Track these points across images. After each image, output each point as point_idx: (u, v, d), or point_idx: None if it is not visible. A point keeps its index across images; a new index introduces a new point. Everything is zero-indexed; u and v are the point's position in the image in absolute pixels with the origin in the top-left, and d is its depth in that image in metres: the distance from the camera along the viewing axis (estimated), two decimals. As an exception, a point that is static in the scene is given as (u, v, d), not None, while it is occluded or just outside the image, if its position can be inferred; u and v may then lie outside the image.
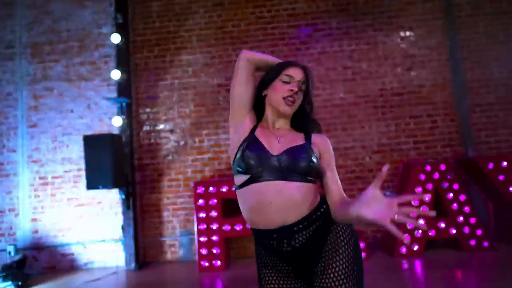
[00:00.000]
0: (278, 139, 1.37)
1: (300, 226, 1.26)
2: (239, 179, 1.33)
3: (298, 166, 1.28)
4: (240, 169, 1.32)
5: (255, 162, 1.29)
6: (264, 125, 1.45)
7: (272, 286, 1.32)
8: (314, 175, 1.32)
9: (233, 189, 3.83)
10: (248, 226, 1.47)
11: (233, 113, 1.42)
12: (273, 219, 1.25)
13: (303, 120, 1.46)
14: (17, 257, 4.65)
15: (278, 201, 1.25)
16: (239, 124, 1.41)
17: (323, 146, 1.40)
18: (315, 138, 1.42)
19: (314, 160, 1.32)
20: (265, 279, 1.34)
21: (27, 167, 5.08)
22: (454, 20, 4.97)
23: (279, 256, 1.30)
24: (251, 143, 1.34)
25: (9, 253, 4.76)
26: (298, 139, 1.39)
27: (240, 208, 1.37)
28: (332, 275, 1.24)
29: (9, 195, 5.05)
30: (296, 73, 1.41)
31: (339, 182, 1.34)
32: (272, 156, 1.30)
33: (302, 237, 1.26)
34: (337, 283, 1.23)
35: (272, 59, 1.48)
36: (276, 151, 1.32)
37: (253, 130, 1.41)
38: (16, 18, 5.26)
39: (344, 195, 1.31)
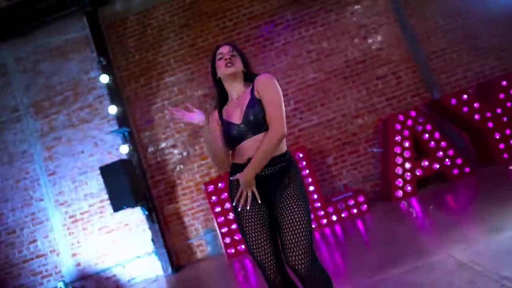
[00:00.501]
0: (240, 107, 1.80)
1: (268, 164, 1.73)
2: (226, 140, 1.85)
3: (254, 124, 1.73)
4: (224, 134, 1.84)
5: (233, 137, 1.78)
6: (230, 102, 1.90)
7: (243, 211, 1.76)
8: (263, 121, 1.73)
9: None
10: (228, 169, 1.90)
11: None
12: (246, 156, 1.76)
13: (248, 75, 1.91)
14: (69, 291, 5.23)
15: (252, 150, 1.73)
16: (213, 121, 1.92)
17: (260, 87, 1.74)
18: (256, 84, 1.77)
19: (259, 110, 1.72)
20: (239, 208, 1.76)
21: (56, 210, 5.66)
22: (392, -15, 5.55)
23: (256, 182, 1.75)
24: (224, 127, 1.83)
25: (59, 289, 5.34)
26: (247, 95, 1.79)
27: (232, 158, 1.87)
28: (288, 194, 1.70)
29: (47, 239, 5.63)
30: (223, 49, 1.89)
31: (275, 117, 1.68)
32: (238, 125, 1.76)
33: (269, 171, 1.74)
34: (292, 198, 1.69)
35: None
36: (239, 119, 1.77)
37: (221, 117, 1.87)
38: (14, 84, 5.88)
39: (276, 125, 1.67)
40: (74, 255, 5.58)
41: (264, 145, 1.67)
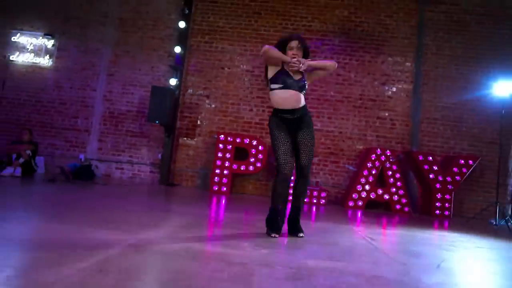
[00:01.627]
0: (296, 75, 2.90)
1: (296, 111, 2.88)
2: (275, 87, 2.88)
3: (301, 86, 2.88)
4: (276, 83, 2.89)
5: (284, 80, 2.86)
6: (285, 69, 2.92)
7: (281, 133, 2.86)
8: (305, 89, 2.93)
9: (245, 141, 5.78)
10: (276, 108, 2.93)
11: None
12: (290, 104, 2.87)
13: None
14: (86, 163, 6.73)
15: (295, 100, 2.87)
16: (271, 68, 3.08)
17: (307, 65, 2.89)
18: (306, 79, 2.99)
19: (306, 84, 2.94)
20: (278, 131, 2.87)
21: (101, 103, 7.14)
22: (422, 55, 6.89)
23: (286, 120, 2.89)
24: (282, 72, 2.86)
25: (80, 159, 6.85)
26: (301, 75, 2.93)
27: (273, 100, 2.92)
28: (306, 133, 2.90)
29: (86, 120, 7.12)
30: (293, 44, 2.93)
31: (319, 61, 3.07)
32: (295, 80, 2.86)
33: (295, 115, 2.88)
34: (309, 138, 2.89)
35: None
36: (296, 78, 2.89)
37: (283, 66, 2.88)
38: (112, -4, 7.32)
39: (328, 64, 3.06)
40: (100, 140, 7.08)
41: (324, 61, 3.11)
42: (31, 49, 7.28)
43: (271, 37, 7.09)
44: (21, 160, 5.93)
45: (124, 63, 7.20)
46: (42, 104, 7.18)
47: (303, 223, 3.01)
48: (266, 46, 2.84)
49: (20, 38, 7.28)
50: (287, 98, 2.84)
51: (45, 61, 7.23)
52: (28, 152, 6.05)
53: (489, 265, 2.71)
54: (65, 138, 7.11)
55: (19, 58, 7.25)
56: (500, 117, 5.85)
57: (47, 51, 7.26)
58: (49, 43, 7.27)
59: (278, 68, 2.90)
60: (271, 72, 2.92)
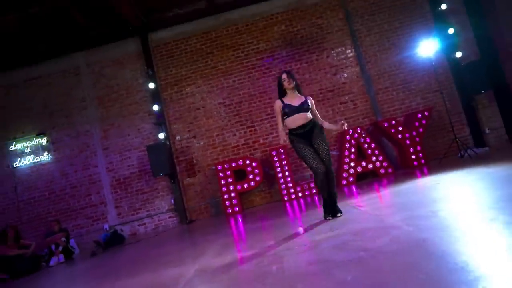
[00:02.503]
0: (298, 101, 3.79)
1: (307, 125, 3.78)
2: (286, 116, 3.84)
3: (305, 108, 3.76)
4: (286, 113, 3.84)
5: (289, 109, 3.94)
6: (288, 97, 3.85)
7: (300, 145, 3.74)
8: (309, 110, 3.79)
9: (239, 163, 6.78)
10: (287, 130, 3.85)
11: (275, 108, 4.07)
12: (298, 123, 3.78)
13: (298, 90, 3.91)
14: (111, 230, 7.54)
15: (301, 119, 3.87)
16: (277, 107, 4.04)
17: (311, 102, 3.85)
18: (308, 98, 3.85)
19: (309, 105, 3.80)
20: (298, 144, 3.74)
21: (106, 175, 7.99)
22: (357, 39, 7.98)
23: (300, 135, 3.76)
24: (286, 106, 3.88)
25: (106, 229, 7.67)
26: (302, 99, 3.81)
27: (287, 124, 3.85)
28: (320, 141, 3.77)
29: (98, 194, 7.95)
30: (284, 76, 3.86)
31: (317, 112, 3.93)
32: (296, 106, 3.77)
33: (307, 127, 3.84)
34: (323, 144, 3.75)
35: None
36: (298, 104, 3.77)
37: (283, 102, 3.84)
38: (83, 82, 8.21)
39: (319, 117, 3.95)
40: (117, 207, 7.91)
41: (320, 120, 3.94)
42: (30, 151, 8.09)
43: (229, 69, 8.09)
44: (60, 248, 6.72)
45: (113, 135, 8.08)
46: (56, 194, 7.99)
47: (312, 207, 3.95)
48: (275, 109, 3.94)
49: (17, 146, 8.10)
50: (295, 119, 3.80)
51: (45, 157, 8.05)
52: (63, 239, 6.84)
53: (463, 188, 3.70)
54: (86, 215, 7.91)
55: (22, 163, 8.05)
56: (433, 69, 6.96)
57: (44, 148, 8.09)
58: (43, 140, 8.10)
59: (281, 106, 3.88)
60: (279, 114, 3.92)
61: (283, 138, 3.85)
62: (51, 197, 7.99)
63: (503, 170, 4.15)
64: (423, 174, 6.07)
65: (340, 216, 3.78)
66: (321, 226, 3.54)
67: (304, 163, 3.89)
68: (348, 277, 1.82)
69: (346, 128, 3.79)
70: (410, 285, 1.54)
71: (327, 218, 3.76)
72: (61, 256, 6.60)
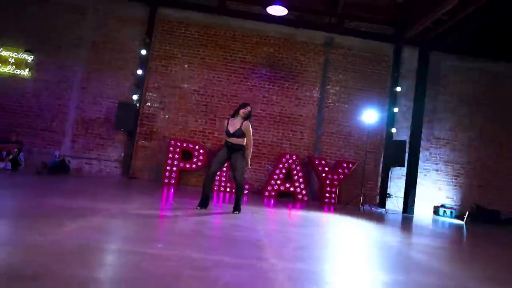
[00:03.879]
0: (233, 126, 4.95)
1: (236, 146, 5.05)
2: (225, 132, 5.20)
3: (236, 135, 4.94)
4: (226, 131, 5.16)
5: (227, 132, 5.16)
6: (232, 121, 5.00)
7: (221, 154, 5.14)
8: (242, 135, 4.96)
9: (190, 146, 8.00)
10: (223, 142, 5.18)
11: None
12: (230, 140, 5.08)
13: (247, 117, 5.00)
14: (60, 158, 8.45)
15: (234, 140, 5.10)
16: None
17: (245, 126, 4.93)
18: (244, 122, 4.97)
19: (241, 131, 4.92)
20: (221, 152, 5.15)
21: (74, 110, 8.85)
22: (325, 85, 9.36)
23: (227, 148, 4.99)
24: (227, 128, 5.12)
25: (56, 155, 8.56)
26: (239, 124, 4.96)
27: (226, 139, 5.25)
28: (237, 157, 5.00)
29: (61, 123, 8.80)
30: (247, 108, 5.01)
31: (250, 136, 5.04)
32: (231, 132, 4.93)
33: (235, 147, 5.07)
34: (238, 159, 5.06)
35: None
36: (233, 130, 4.94)
37: (228, 123, 5.08)
38: (85, 23, 9.00)
39: (250, 141, 5.10)
40: (73, 141, 8.82)
41: (250, 145, 5.16)
42: (13, 62, 8.78)
43: (214, 65, 9.20)
44: (10, 156, 7.57)
45: (95, 79, 8.95)
46: (23, 109, 8.74)
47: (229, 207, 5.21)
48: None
49: (3, 52, 8.75)
50: (228, 138, 5.01)
51: (25, 73, 8.77)
52: (16, 149, 7.68)
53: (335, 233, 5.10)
54: (43, 137, 8.75)
55: (1, 69, 8.72)
56: (371, 134, 8.49)
57: (27, 65, 8.80)
58: (29, 58, 8.81)
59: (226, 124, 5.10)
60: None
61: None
62: (18, 109, 8.73)
63: (377, 233, 5.63)
64: (329, 210, 7.55)
65: (236, 214, 5.08)
66: (220, 216, 4.81)
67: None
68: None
69: (249, 167, 5.29)
70: None
71: (197, 208, 4.92)
72: (9, 164, 7.47)
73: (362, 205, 8.13)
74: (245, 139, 5.09)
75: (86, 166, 8.83)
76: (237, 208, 5.13)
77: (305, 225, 5.20)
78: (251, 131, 5.12)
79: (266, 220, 5.05)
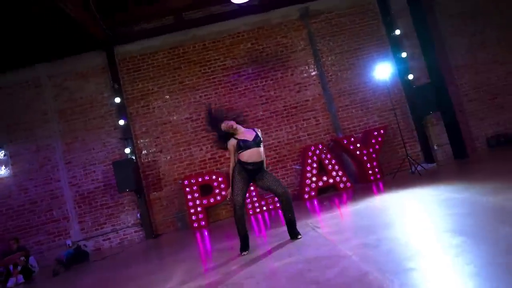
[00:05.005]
0: (251, 135, 4.02)
1: (258, 163, 3.99)
2: (240, 150, 3.98)
3: (257, 143, 3.97)
4: (241, 147, 3.98)
5: (246, 147, 3.95)
6: (240, 134, 4.02)
7: (241, 178, 4.02)
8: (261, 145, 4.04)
9: (206, 178, 6.98)
10: (242, 161, 3.97)
11: (230, 148, 4.26)
12: (253, 159, 3.98)
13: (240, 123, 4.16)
14: (74, 246, 7.43)
15: (255, 154, 4.01)
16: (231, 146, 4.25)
17: (260, 134, 4.11)
18: (257, 132, 4.10)
19: (260, 140, 4.04)
20: (238, 177, 4.00)
21: (69, 189, 7.85)
22: (319, 59, 8.40)
23: (247, 171, 3.99)
24: (241, 141, 4.04)
25: (68, 245, 7.54)
26: (254, 133, 4.06)
27: (241, 158, 3.98)
28: (265, 174, 4.06)
29: (60, 209, 7.79)
30: (232, 122, 4.05)
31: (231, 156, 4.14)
32: (250, 141, 3.94)
33: (258, 165, 4.02)
34: (264, 174, 4.10)
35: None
36: (252, 139, 3.97)
37: (238, 140, 4.00)
38: (45, 94, 8.02)
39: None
40: (80, 222, 7.79)
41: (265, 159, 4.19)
42: (-15, 165, 7.78)
43: (196, 84, 8.23)
44: (19, 268, 6.54)
45: (77, 148, 7.96)
46: (14, 210, 7.73)
47: (275, 221, 4.20)
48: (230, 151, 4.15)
49: (-30, 159, 7.76)
50: (251, 155, 4.01)
51: (2, 172, 7.77)
52: (23, 258, 6.65)
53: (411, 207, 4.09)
54: (47, 231, 7.73)
55: (-24, 177, 7.72)
56: (388, 90, 7.52)
57: (0, 162, 7.80)
58: (0, 154, 7.81)
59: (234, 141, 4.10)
60: (233, 146, 4.11)
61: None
62: (9, 213, 7.73)
63: (451, 191, 4.64)
64: (379, 189, 6.55)
65: (300, 238, 4.07)
66: (281, 250, 3.80)
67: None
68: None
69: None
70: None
71: (243, 254, 3.99)
72: (20, 277, 6.43)
73: (413, 167, 7.13)
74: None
75: (105, 243, 7.81)
76: (294, 231, 4.15)
77: (389, 219, 4.19)
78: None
79: (341, 232, 4.04)
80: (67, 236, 7.73)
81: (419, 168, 7.10)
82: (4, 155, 7.84)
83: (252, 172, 4.05)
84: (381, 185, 7.11)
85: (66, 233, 7.76)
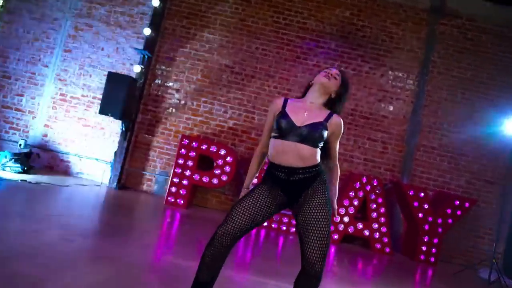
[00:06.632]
0: (306, 113, 1.95)
1: (300, 171, 1.91)
2: (274, 134, 1.98)
3: (311, 137, 1.90)
4: (276, 129, 1.95)
5: (284, 127, 1.91)
6: (300, 101, 2.05)
7: (257, 192, 1.96)
8: (320, 144, 1.94)
9: (212, 149, 4.89)
10: (267, 160, 2.06)
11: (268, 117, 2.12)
12: (288, 161, 1.91)
13: (334, 103, 2.06)
14: (25, 150, 5.72)
15: (293, 154, 1.90)
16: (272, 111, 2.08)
17: (336, 127, 2.00)
18: (334, 119, 1.98)
19: (324, 135, 1.92)
20: (256, 193, 1.96)
21: (53, 82, 6.10)
22: (427, 73, 6.03)
23: (279, 183, 1.95)
24: (283, 115, 1.96)
25: (20, 145, 5.84)
26: (321, 116, 1.96)
27: (269, 150, 2.02)
28: (314, 205, 1.89)
29: (32, 100, 6.08)
30: (332, 70, 2.06)
31: (336, 151, 2.08)
32: (296, 127, 1.91)
33: (299, 176, 1.92)
34: (316, 209, 1.88)
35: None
36: (300, 123, 1.91)
37: (284, 107, 2.00)
38: (80, -41, 6.22)
39: (337, 162, 2.10)
40: (46, 126, 6.06)
41: (336, 180, 2.12)
42: (-23, 9, 6.16)
43: (259, 31, 6.12)
44: None
45: (84, 39, 6.15)
46: (-17, 74, 6.11)
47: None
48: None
49: (-35, -6, 6.15)
50: (285, 151, 1.95)
51: (-8, 24, 6.13)
52: None
53: None
54: (5, 118, 6.06)
55: (-38, 18, 6.13)
56: (506, 158, 5.05)
57: (-5, 14, 6.15)
58: (-1, 3, 6.16)
59: (281, 107, 2.05)
60: (274, 113, 2.09)
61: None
62: (-23, 75, 6.12)
63: None
64: (424, 282, 4.30)
65: None
66: None
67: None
68: None
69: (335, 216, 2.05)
70: None
71: None
72: None
73: (493, 274, 4.72)
74: (320, 155, 2.00)
75: (62, 164, 6.04)
76: None
77: None
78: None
79: None
80: (24, 136, 6.03)
81: (488, 274, 4.70)
82: (1, 6, 6.16)
83: (286, 186, 1.96)
84: (430, 273, 4.83)
85: (24, 131, 6.06)
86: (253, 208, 1.92)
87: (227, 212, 1.96)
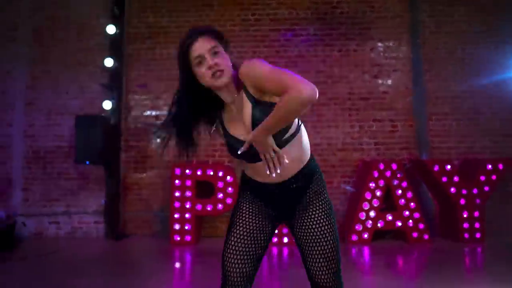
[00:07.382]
0: (242, 119, 1.42)
1: (293, 180, 1.48)
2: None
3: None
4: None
5: (240, 155, 1.41)
6: (228, 110, 1.51)
7: (246, 211, 1.55)
8: (284, 127, 1.34)
9: (208, 172, 4.36)
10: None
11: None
12: (273, 180, 1.46)
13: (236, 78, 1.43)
14: (8, 221, 5.13)
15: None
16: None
17: (252, 80, 1.35)
18: (246, 81, 1.37)
19: (267, 111, 1.30)
20: (240, 206, 1.58)
21: (21, 141, 5.54)
22: (418, 35, 5.50)
23: (261, 194, 1.54)
24: (228, 142, 1.49)
25: (0, 217, 5.24)
26: (245, 101, 1.39)
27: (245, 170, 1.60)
28: (312, 214, 1.48)
29: (3, 165, 5.50)
30: (201, 50, 1.38)
31: (279, 83, 1.26)
32: (237, 138, 1.43)
33: (296, 184, 1.49)
34: (317, 220, 1.48)
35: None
36: (245, 133, 1.40)
37: (223, 127, 1.51)
38: (21, 3, 5.69)
39: (291, 90, 1.21)
40: (25, 189, 5.48)
41: (277, 109, 1.25)
42: None
43: (228, 34, 5.55)
44: None
45: (45, 87, 5.59)
46: None
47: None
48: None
49: None
50: (261, 174, 1.49)
51: None
52: None
53: None
54: (-21, 192, 5.49)
55: None
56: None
57: None
58: None
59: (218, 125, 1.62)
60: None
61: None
62: None
63: None
64: (475, 262, 3.74)
65: None
66: None
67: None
68: None
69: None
70: None
71: None
72: None
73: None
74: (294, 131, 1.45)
75: (51, 227, 5.45)
76: None
77: None
78: (270, 67, 1.33)
79: None
80: (2, 205, 5.45)
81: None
82: (-52, 73, 5.63)
83: (276, 198, 1.55)
84: (479, 252, 4.28)
85: (2, 201, 5.48)
86: (248, 244, 1.50)
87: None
